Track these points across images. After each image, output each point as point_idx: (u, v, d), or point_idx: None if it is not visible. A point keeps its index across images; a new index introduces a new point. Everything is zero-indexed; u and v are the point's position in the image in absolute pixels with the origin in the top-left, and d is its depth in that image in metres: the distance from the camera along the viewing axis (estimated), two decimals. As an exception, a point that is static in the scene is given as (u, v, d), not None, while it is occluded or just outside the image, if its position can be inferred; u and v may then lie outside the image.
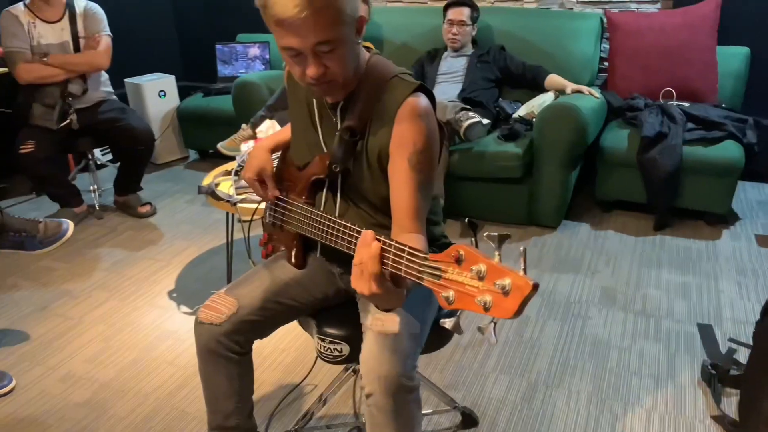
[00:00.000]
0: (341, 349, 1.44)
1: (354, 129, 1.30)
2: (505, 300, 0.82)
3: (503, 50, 3.29)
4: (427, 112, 1.26)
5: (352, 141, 1.32)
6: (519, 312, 0.82)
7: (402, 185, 1.24)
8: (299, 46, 1.13)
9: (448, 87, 3.23)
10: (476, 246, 0.91)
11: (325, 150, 1.38)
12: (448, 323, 0.98)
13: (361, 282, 1.03)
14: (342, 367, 1.97)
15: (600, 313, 2.32)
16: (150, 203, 3.31)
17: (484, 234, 0.91)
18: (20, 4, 2.93)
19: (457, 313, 0.97)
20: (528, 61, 3.22)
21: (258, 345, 2.17)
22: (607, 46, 3.35)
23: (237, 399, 1.48)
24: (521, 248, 0.84)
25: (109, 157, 3.93)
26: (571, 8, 3.50)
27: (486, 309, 0.84)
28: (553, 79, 3.13)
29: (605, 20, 3.29)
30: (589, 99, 2.91)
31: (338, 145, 1.33)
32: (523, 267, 0.86)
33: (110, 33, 3.09)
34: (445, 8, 3.29)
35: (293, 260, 1.47)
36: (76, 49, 3.00)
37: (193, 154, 4.19)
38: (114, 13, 3.18)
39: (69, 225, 2.20)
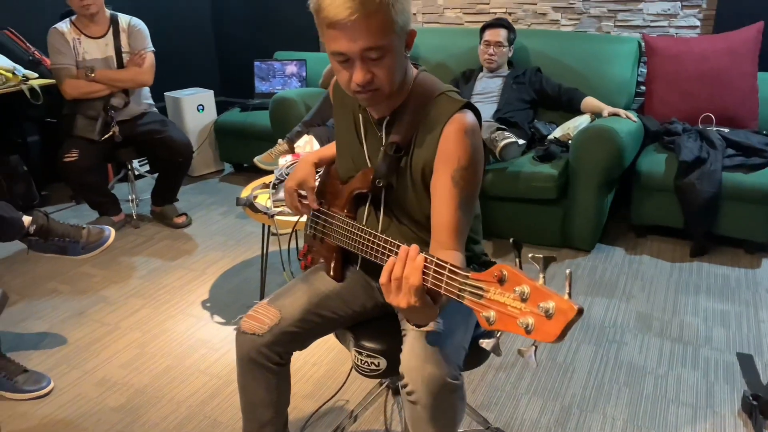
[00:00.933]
0: (378, 363, 1.44)
1: (399, 144, 1.32)
2: (548, 323, 0.82)
3: (539, 72, 3.30)
4: (474, 129, 1.27)
5: (397, 156, 1.33)
6: (562, 336, 0.81)
7: (444, 201, 1.25)
8: (348, 50, 1.16)
9: (482, 107, 3.24)
10: (520, 267, 0.91)
11: (369, 164, 1.40)
12: (486, 344, 0.97)
13: (399, 296, 1.06)
14: (375, 382, 1.97)
15: (635, 338, 2.28)
16: (186, 214, 3.36)
17: (529, 255, 0.90)
18: (66, 21, 3.03)
19: (497, 334, 0.96)
20: (564, 84, 3.22)
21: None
22: (645, 70, 3.33)
23: (274, 410, 1.49)
24: (567, 271, 0.84)
25: (147, 168, 4.01)
26: (608, 32, 3.50)
27: (528, 332, 0.83)
28: (590, 101, 3.12)
29: (643, 44, 3.28)
30: (627, 122, 2.90)
31: (382, 160, 1.34)
32: (567, 291, 0.85)
33: (153, 48, 3.18)
34: (482, 29, 3.32)
35: (332, 273, 1.49)
36: (120, 63, 3.09)
37: (228, 168, 4.26)
38: (156, 28, 3.27)
39: (111, 232, 2.25)
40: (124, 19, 3.11)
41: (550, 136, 3.09)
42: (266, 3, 4.46)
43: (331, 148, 1.61)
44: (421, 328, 1.24)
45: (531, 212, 2.94)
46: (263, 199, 2.30)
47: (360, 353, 1.45)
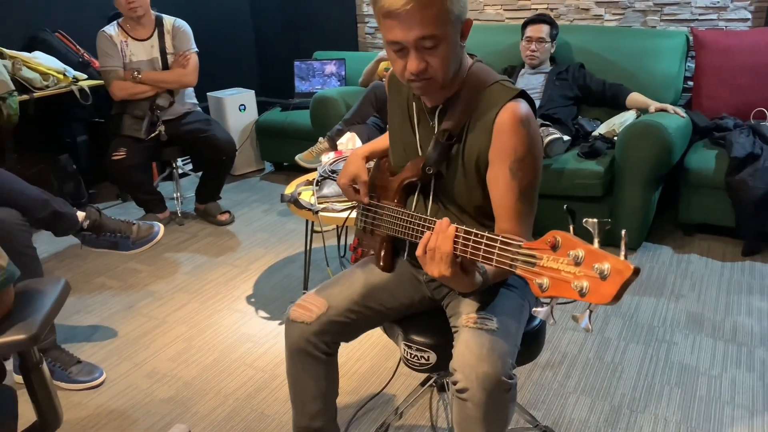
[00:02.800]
0: (428, 357, 1.43)
1: (451, 132, 1.32)
2: (603, 285, 0.81)
3: (583, 68, 3.25)
4: (528, 118, 1.26)
5: (448, 144, 1.33)
6: (617, 297, 0.81)
7: (504, 193, 1.26)
8: (403, 39, 1.16)
9: (525, 104, 3.21)
10: (574, 233, 0.90)
11: (421, 154, 1.40)
12: (539, 312, 0.97)
13: (432, 265, 1.14)
14: (420, 379, 1.97)
15: (686, 338, 2.22)
16: (229, 212, 3.41)
17: (583, 221, 0.89)
18: (114, 24, 3.11)
19: (550, 302, 0.95)
20: (608, 80, 3.16)
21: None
22: (692, 65, 3.25)
23: (323, 401, 1.50)
24: (622, 232, 0.83)
25: (190, 166, 4.09)
26: (654, 26, 3.42)
27: (582, 294, 0.82)
28: (635, 97, 3.05)
29: (691, 38, 3.20)
30: (674, 118, 2.83)
31: (434, 147, 1.34)
32: (623, 252, 0.84)
33: (197, 49, 3.23)
34: (524, 25, 3.28)
35: (381, 263, 1.49)
36: (164, 63, 3.16)
37: (268, 167, 4.30)
38: (198, 29, 3.32)
39: (160, 227, 2.30)
40: (168, 20, 3.17)
41: (595, 133, 3.03)
42: (305, 3, 4.50)
43: (379, 142, 1.61)
44: (484, 327, 1.24)
45: (577, 209, 2.88)
46: (307, 196, 2.32)
47: (410, 347, 1.45)
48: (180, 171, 3.82)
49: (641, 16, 3.44)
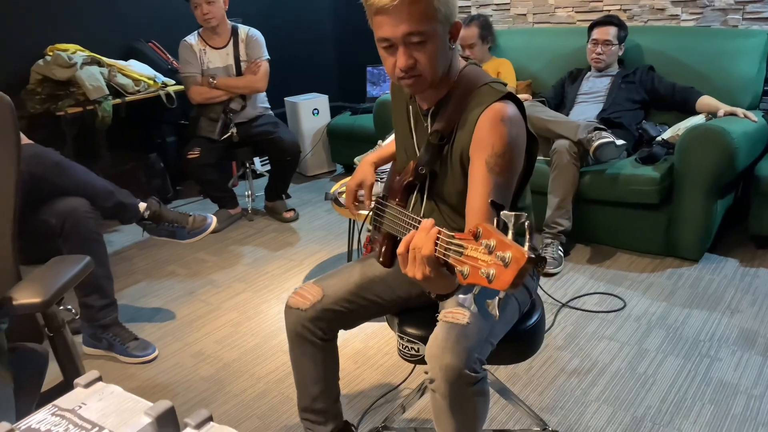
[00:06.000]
0: (418, 348, 1.48)
1: (441, 133, 1.36)
2: (505, 272, 0.83)
3: (652, 71, 3.12)
4: (511, 117, 1.28)
5: (439, 145, 1.37)
6: (515, 284, 0.82)
7: (477, 186, 1.27)
8: (391, 35, 1.23)
9: (587, 107, 3.14)
10: (497, 225, 0.91)
11: (418, 154, 1.45)
12: (490, 305, 1.00)
13: (415, 266, 1.06)
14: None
15: (733, 354, 2.09)
16: (293, 209, 3.60)
17: (501, 213, 0.91)
18: (194, 34, 3.38)
19: (500, 295, 0.97)
20: (679, 83, 3.01)
21: (362, 346, 2.30)
22: (776, 66, 3.02)
23: (323, 384, 1.58)
24: (526, 222, 0.85)
25: (268, 167, 4.33)
26: (736, 25, 3.22)
27: (489, 281, 0.85)
28: (705, 100, 2.89)
29: (774, 38, 2.98)
30: (744, 122, 2.65)
31: (425, 148, 1.39)
32: (528, 241, 0.85)
33: (269, 57, 3.44)
34: (591, 28, 3.21)
35: (381, 258, 1.55)
36: (238, 70, 3.39)
37: (339, 168, 4.47)
38: (281, 36, 3.52)
39: (213, 219, 2.50)
40: (243, 30, 3.41)
41: (659, 138, 2.90)
42: (382, 11, 4.62)
43: (388, 148, 1.70)
44: (454, 320, 1.27)
45: (632, 217, 2.79)
46: (348, 194, 2.42)
47: (402, 338, 1.51)
48: (257, 171, 4.08)
49: (721, 15, 3.24)
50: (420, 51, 1.25)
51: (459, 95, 1.35)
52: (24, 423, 0.67)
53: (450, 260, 0.98)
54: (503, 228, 0.89)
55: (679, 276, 2.64)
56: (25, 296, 1.19)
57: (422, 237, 1.05)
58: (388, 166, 1.78)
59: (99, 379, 0.74)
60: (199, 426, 0.66)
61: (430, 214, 1.44)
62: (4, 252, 1.33)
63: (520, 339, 1.48)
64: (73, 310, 2.48)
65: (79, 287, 2.22)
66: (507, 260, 0.83)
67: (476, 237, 0.92)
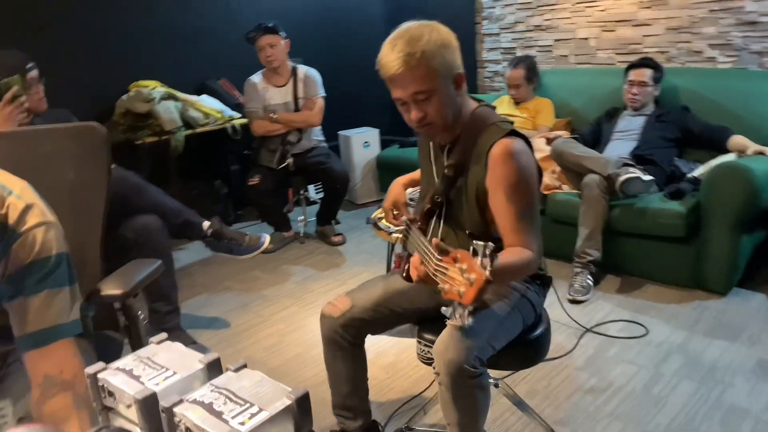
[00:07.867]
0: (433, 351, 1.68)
1: (455, 167, 1.59)
2: (470, 290, 1.04)
3: (687, 110, 3.25)
4: (517, 151, 1.49)
5: (453, 177, 1.60)
6: (475, 300, 1.03)
7: (504, 214, 1.50)
8: (402, 96, 1.48)
9: (621, 144, 3.28)
10: (473, 252, 1.13)
11: (436, 185, 1.68)
12: (461, 315, 1.20)
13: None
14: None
15: (747, 382, 2.18)
16: (342, 234, 3.87)
17: (473, 242, 1.12)
18: (258, 73, 3.75)
19: (467, 308, 1.17)
20: (712, 122, 3.13)
21: (394, 359, 2.52)
22: (812, 107, 3.09)
23: (353, 383, 1.81)
24: (483, 245, 1.06)
25: (322, 195, 4.64)
26: (772, 68, 3.31)
27: (460, 296, 1.06)
28: (737, 139, 3.00)
29: (809, 80, 3.06)
30: (770, 161, 2.75)
31: (441, 180, 1.62)
32: (489, 264, 1.06)
33: (324, 94, 3.77)
34: (627, 69, 3.37)
35: (404, 274, 1.77)
36: (296, 106, 3.73)
37: (387, 198, 4.72)
38: (338, 75, 3.81)
39: (266, 238, 2.79)
40: (302, 70, 3.75)
41: (690, 175, 3.02)
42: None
43: (418, 172, 1.93)
44: (458, 324, 1.48)
45: (660, 250, 2.90)
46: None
47: (420, 342, 1.71)
48: (311, 198, 4.39)
49: (757, 58, 3.35)
50: (428, 105, 1.49)
51: (470, 134, 1.58)
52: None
53: (438, 279, 1.20)
54: (473, 253, 1.10)
55: (705, 308, 2.73)
56: (110, 288, 1.48)
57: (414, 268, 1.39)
58: (417, 191, 2.02)
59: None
60: (237, 370, 0.90)
61: (446, 238, 1.66)
62: (94, 255, 1.63)
63: (526, 347, 1.66)
64: (142, 315, 2.79)
65: (148, 294, 2.54)
66: (471, 280, 1.05)
67: (456, 261, 1.14)
